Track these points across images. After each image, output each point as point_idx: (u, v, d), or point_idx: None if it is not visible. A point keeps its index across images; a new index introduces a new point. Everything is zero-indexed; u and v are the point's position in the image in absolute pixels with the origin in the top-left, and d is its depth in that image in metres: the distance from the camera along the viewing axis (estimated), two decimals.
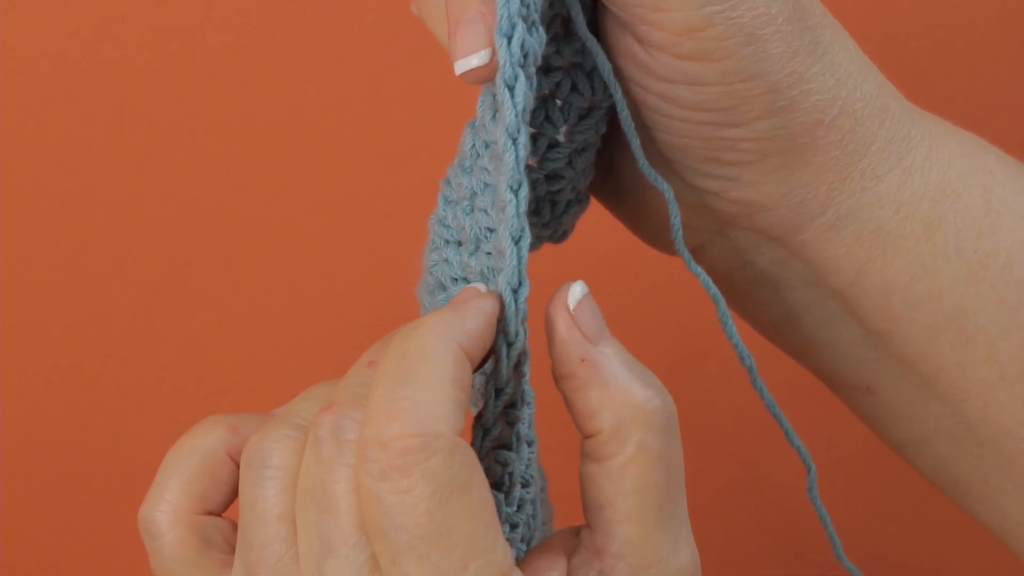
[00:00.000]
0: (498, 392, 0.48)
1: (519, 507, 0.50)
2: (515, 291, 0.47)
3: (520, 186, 0.47)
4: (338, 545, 0.45)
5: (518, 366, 0.48)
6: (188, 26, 0.94)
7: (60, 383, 0.97)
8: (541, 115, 0.55)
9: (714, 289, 0.55)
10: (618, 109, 0.53)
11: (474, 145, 0.53)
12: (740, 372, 0.58)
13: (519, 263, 0.47)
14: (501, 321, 0.47)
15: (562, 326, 0.47)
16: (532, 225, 0.58)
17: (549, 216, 0.58)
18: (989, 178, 0.57)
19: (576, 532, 0.48)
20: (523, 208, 0.47)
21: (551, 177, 0.57)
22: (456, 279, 0.55)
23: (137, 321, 0.96)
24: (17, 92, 0.94)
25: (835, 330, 0.58)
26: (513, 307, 0.47)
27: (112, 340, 0.97)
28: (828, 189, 0.55)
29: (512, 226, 0.47)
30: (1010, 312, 0.56)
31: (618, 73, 0.54)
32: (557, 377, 0.48)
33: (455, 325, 0.46)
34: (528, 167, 0.56)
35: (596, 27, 0.54)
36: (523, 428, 0.50)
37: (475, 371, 0.47)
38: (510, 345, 0.48)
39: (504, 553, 0.44)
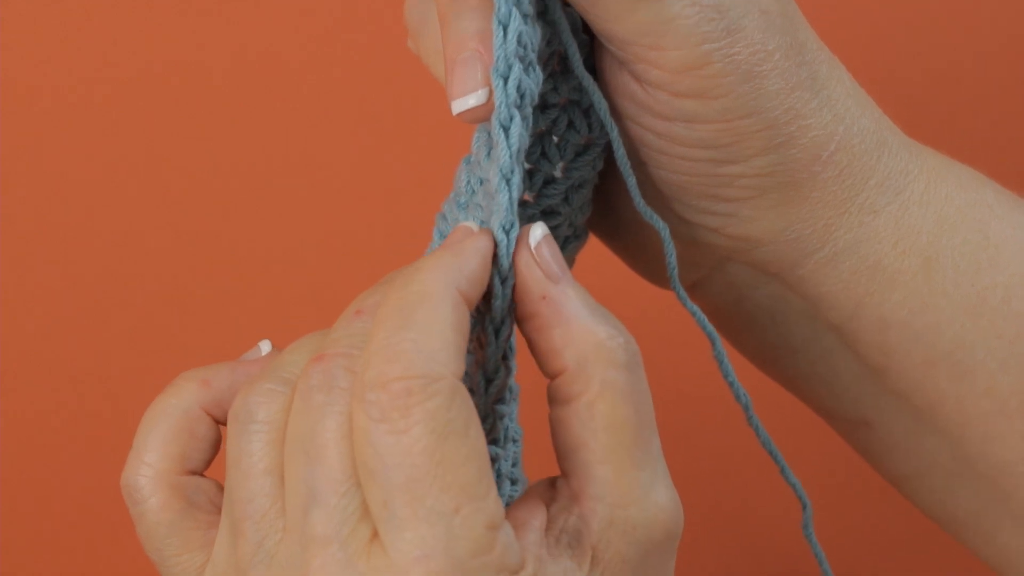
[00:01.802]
0: (497, 333, 0.48)
1: (514, 463, 0.50)
2: (507, 231, 0.48)
3: (512, 227, 0.48)
4: (326, 495, 0.44)
5: (511, 306, 0.48)
6: (191, 29, 0.94)
7: (60, 383, 0.97)
8: (538, 151, 0.55)
9: (709, 327, 0.55)
10: (614, 147, 0.53)
11: (469, 181, 0.53)
12: (736, 405, 0.58)
13: (511, 203, 0.48)
14: (495, 260, 0.48)
15: (523, 265, 0.48)
16: None
17: None
18: (987, 212, 0.57)
19: (552, 482, 0.48)
20: (513, 247, 0.48)
21: (548, 213, 0.57)
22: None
23: (138, 321, 0.96)
24: (17, 92, 0.94)
25: (833, 364, 0.58)
26: (505, 244, 0.47)
27: (113, 340, 0.96)
28: (826, 224, 0.55)
29: (504, 218, 0.47)
30: (1008, 345, 0.56)
31: (615, 110, 0.53)
32: (520, 319, 0.48)
33: (454, 269, 0.46)
34: (524, 203, 0.56)
35: (594, 64, 0.54)
36: (510, 423, 0.50)
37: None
38: (503, 282, 0.48)
39: (496, 504, 0.44)
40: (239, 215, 0.96)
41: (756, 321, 0.59)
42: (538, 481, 0.48)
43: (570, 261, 0.59)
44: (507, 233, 0.48)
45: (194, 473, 0.50)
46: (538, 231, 0.48)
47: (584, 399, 0.46)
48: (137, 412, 0.49)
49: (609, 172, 0.57)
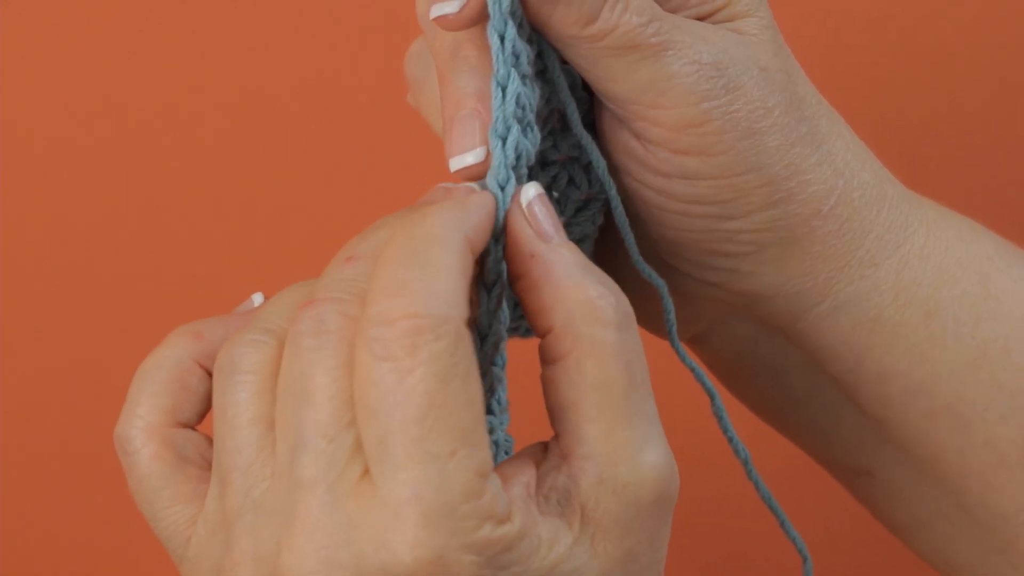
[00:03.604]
0: (489, 289, 0.48)
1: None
2: (503, 188, 0.48)
3: (508, 182, 0.48)
4: (315, 438, 0.43)
5: (502, 264, 0.48)
6: (192, 31, 0.94)
7: (60, 383, 0.97)
8: None
9: (708, 383, 0.55)
10: (612, 205, 0.53)
11: None
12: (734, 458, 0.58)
13: (504, 159, 0.48)
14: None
15: (514, 223, 0.47)
16: None
17: None
18: (987, 264, 0.57)
19: (544, 445, 0.47)
20: (507, 204, 0.48)
21: None
22: None
23: (138, 322, 0.96)
24: (18, 92, 0.94)
25: (834, 416, 0.58)
26: (500, 199, 0.47)
27: (112, 341, 0.96)
28: (826, 278, 0.55)
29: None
30: (1009, 398, 0.56)
31: (615, 167, 0.53)
32: (511, 279, 0.48)
33: (461, 217, 0.45)
34: None
35: (593, 122, 0.54)
36: (502, 393, 0.50)
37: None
38: (496, 240, 0.48)
39: (488, 454, 0.43)
40: (240, 215, 0.96)
41: (757, 373, 0.59)
42: (530, 444, 0.48)
43: None
44: (502, 189, 0.48)
45: (186, 426, 0.49)
46: (531, 190, 0.48)
47: (573, 357, 0.45)
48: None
49: (610, 227, 0.57)
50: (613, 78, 0.50)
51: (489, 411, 0.50)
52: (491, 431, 0.50)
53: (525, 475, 0.45)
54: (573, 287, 0.46)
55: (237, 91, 0.95)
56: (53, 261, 0.96)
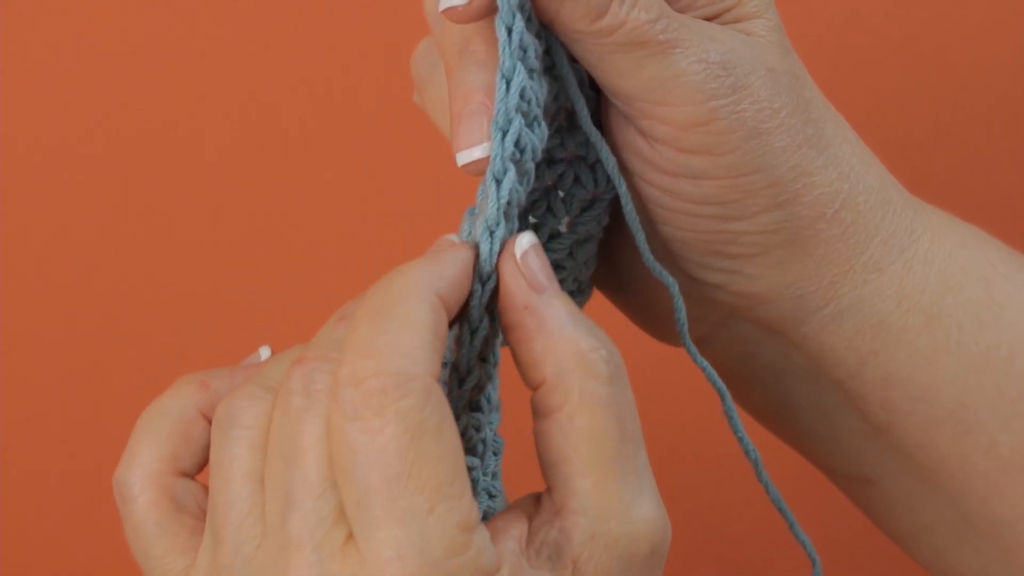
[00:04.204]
0: (472, 333, 0.48)
1: (494, 475, 0.50)
2: (492, 232, 0.48)
3: (498, 226, 0.48)
4: (302, 498, 0.44)
5: (491, 306, 0.48)
6: (195, 32, 0.95)
7: (60, 384, 0.96)
8: (543, 206, 0.55)
9: (719, 382, 0.55)
10: (623, 203, 0.53)
11: (470, 232, 0.53)
12: (742, 459, 0.58)
13: (498, 203, 0.47)
14: (476, 263, 0.48)
15: (507, 274, 0.47)
16: None
17: None
18: (991, 270, 0.57)
19: (537, 497, 0.47)
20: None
21: (553, 268, 0.56)
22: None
23: (138, 323, 0.96)
24: (17, 93, 0.94)
25: (836, 422, 0.58)
26: (488, 247, 0.47)
27: (112, 342, 0.96)
28: (830, 282, 0.55)
29: (489, 216, 0.47)
30: (1011, 404, 0.56)
31: (621, 167, 0.54)
32: (504, 329, 0.48)
33: (433, 273, 0.46)
34: None
35: (599, 120, 0.54)
36: (492, 392, 0.50)
37: (451, 323, 0.47)
38: (483, 284, 0.48)
39: (471, 505, 0.43)
40: (241, 219, 0.96)
41: (759, 378, 0.58)
42: (523, 496, 0.48)
43: None
44: (492, 234, 0.47)
45: (186, 475, 0.50)
46: (525, 240, 0.48)
47: (565, 411, 0.45)
48: (134, 415, 0.49)
49: (614, 227, 0.57)
50: (620, 74, 0.51)
51: (478, 408, 0.50)
52: (478, 428, 0.50)
53: (516, 528, 0.46)
54: (565, 340, 0.46)
55: (241, 93, 0.95)
56: (53, 263, 0.96)
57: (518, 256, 0.48)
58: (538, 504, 0.47)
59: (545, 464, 0.46)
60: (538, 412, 0.46)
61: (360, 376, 0.43)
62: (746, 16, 0.53)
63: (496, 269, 0.48)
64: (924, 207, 0.57)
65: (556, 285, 0.48)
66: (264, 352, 0.53)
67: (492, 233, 0.47)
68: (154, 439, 0.49)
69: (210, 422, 0.50)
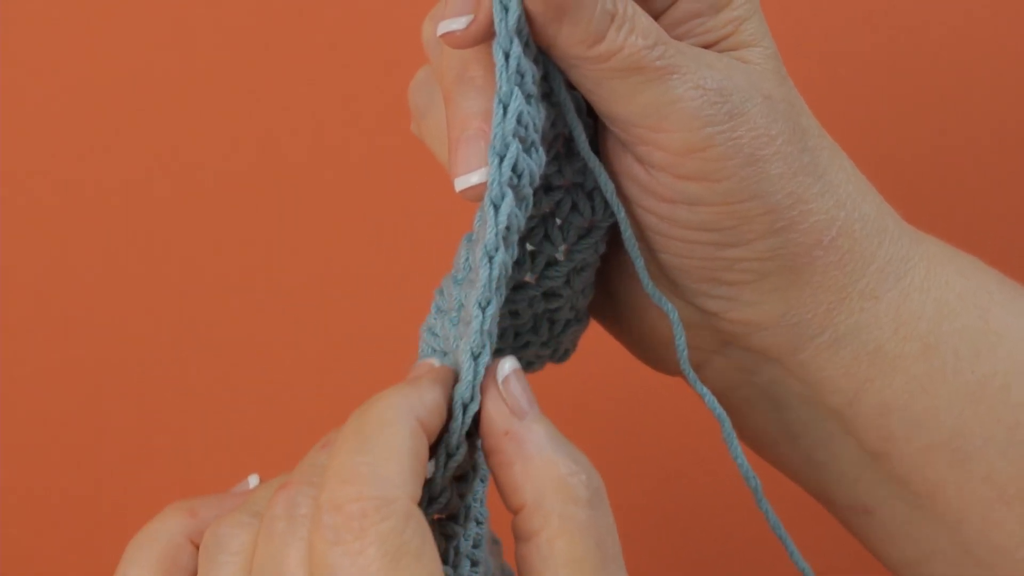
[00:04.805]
0: (448, 456, 0.48)
1: (475, 545, 0.50)
2: (476, 358, 0.47)
3: (482, 351, 0.48)
4: None
5: (471, 434, 0.48)
6: (198, 38, 0.95)
7: (60, 384, 0.96)
8: (540, 233, 0.55)
9: (719, 409, 0.55)
10: (621, 228, 0.53)
11: (467, 259, 0.53)
12: (742, 486, 0.57)
13: (482, 327, 0.47)
14: (457, 386, 0.48)
15: (488, 400, 0.47)
16: (531, 344, 0.58)
17: (548, 335, 0.58)
18: (988, 299, 0.57)
19: None
20: (487, 325, 0.47)
21: (549, 295, 0.57)
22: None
23: (140, 324, 0.96)
24: (18, 93, 0.94)
25: (833, 449, 0.58)
26: (471, 372, 0.47)
27: (114, 342, 0.96)
28: (826, 309, 0.55)
29: (481, 294, 0.47)
30: (1008, 432, 0.56)
31: (618, 193, 0.54)
32: (485, 453, 0.48)
33: (412, 397, 0.46)
34: (526, 284, 0.56)
35: (596, 147, 0.54)
36: (473, 503, 0.49)
37: (432, 444, 0.47)
38: (465, 408, 0.47)
39: None
40: (241, 220, 0.96)
41: (755, 405, 0.58)
42: None
43: (571, 345, 0.59)
44: (475, 359, 0.47)
45: None
46: (507, 365, 0.48)
47: (544, 535, 0.45)
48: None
49: (611, 255, 0.57)
50: (617, 100, 0.51)
51: (455, 519, 0.50)
52: (452, 537, 0.50)
53: None
54: (544, 464, 0.46)
55: (242, 116, 0.95)
56: (53, 262, 0.96)
57: (500, 381, 0.48)
58: None
59: None
60: (519, 536, 0.46)
61: (341, 501, 0.43)
62: (743, 44, 0.53)
63: (479, 392, 0.48)
64: (921, 236, 0.57)
65: (536, 409, 0.48)
66: (252, 480, 0.54)
67: (476, 358, 0.47)
68: (143, 565, 0.49)
69: (198, 548, 0.50)
